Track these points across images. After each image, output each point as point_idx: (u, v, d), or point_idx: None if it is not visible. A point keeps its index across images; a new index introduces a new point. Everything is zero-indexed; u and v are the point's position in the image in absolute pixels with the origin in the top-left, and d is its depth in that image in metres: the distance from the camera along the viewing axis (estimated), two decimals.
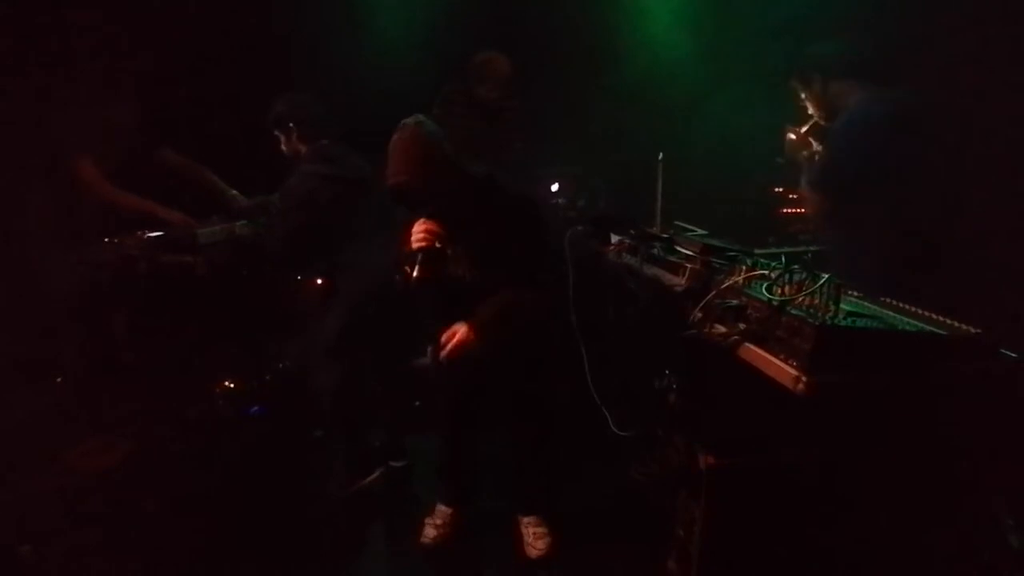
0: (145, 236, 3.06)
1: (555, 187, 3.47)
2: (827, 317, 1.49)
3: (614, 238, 2.67)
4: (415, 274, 1.99)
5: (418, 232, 2.02)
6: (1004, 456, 1.66)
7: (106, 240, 3.03)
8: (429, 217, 2.04)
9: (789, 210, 3.38)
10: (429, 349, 2.55)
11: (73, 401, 3.06)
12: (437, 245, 2.03)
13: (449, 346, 2.10)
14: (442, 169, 2.01)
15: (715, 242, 2.08)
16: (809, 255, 1.66)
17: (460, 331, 2.10)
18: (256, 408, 3.33)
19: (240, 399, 3.35)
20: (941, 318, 1.60)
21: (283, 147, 2.94)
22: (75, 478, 2.72)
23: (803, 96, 2.50)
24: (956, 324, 1.56)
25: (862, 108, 2.28)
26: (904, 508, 1.69)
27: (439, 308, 2.26)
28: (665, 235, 2.34)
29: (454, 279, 2.20)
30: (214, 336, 3.37)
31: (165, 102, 3.21)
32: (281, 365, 3.47)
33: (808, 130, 2.51)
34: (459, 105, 3.10)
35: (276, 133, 2.92)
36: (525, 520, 2.43)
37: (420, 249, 2.00)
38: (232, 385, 3.36)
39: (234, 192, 3.28)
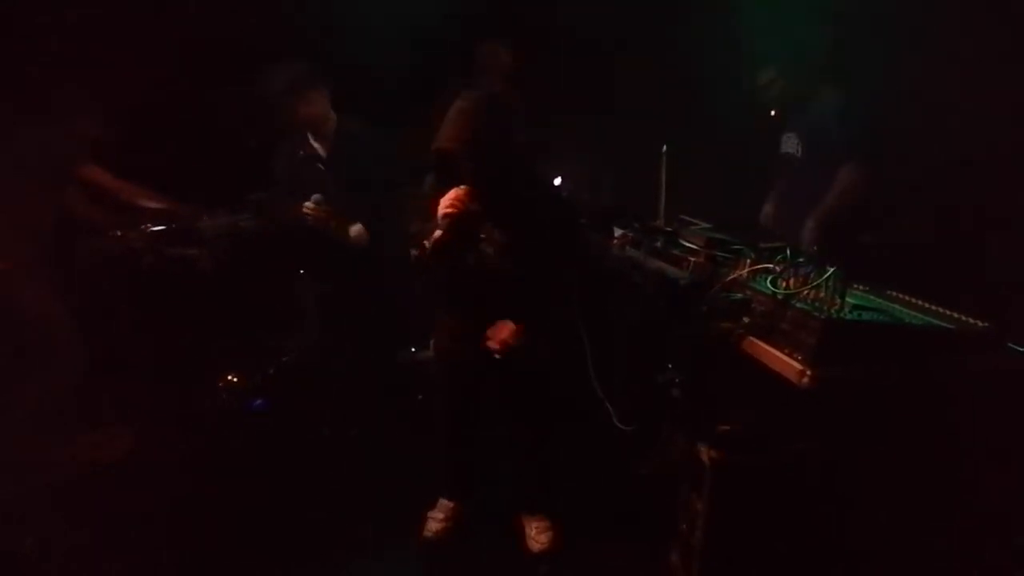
0: (149, 229, 3.06)
1: (558, 181, 3.45)
2: (833, 310, 1.47)
3: (617, 231, 2.66)
4: (435, 236, 1.90)
5: (449, 198, 1.93)
6: (1011, 451, 1.64)
7: (110, 233, 3.04)
8: (469, 189, 1.95)
9: None
10: (432, 342, 2.55)
11: (76, 395, 3.06)
12: (465, 216, 1.94)
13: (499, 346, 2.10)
14: (494, 149, 1.94)
15: (719, 235, 2.06)
16: (815, 248, 1.65)
17: (508, 330, 2.09)
18: (259, 402, 3.34)
19: (243, 393, 3.36)
20: (948, 311, 1.58)
21: (313, 108, 2.71)
22: (77, 472, 2.73)
23: (772, 84, 2.98)
24: (963, 318, 1.55)
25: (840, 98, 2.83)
26: (908, 504, 1.68)
27: (451, 295, 2.24)
28: (669, 228, 2.33)
29: (478, 263, 2.13)
30: (217, 330, 3.37)
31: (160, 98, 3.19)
32: (284, 359, 3.47)
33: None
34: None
35: (307, 92, 2.69)
36: (527, 515, 2.43)
37: (447, 215, 1.91)
38: (235, 379, 3.37)
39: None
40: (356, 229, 2.79)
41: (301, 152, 2.84)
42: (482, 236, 2.10)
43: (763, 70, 3.02)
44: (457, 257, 2.06)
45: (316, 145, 2.83)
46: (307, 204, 2.70)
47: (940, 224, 2.90)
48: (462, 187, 1.93)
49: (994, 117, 2.62)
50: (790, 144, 3.06)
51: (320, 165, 2.83)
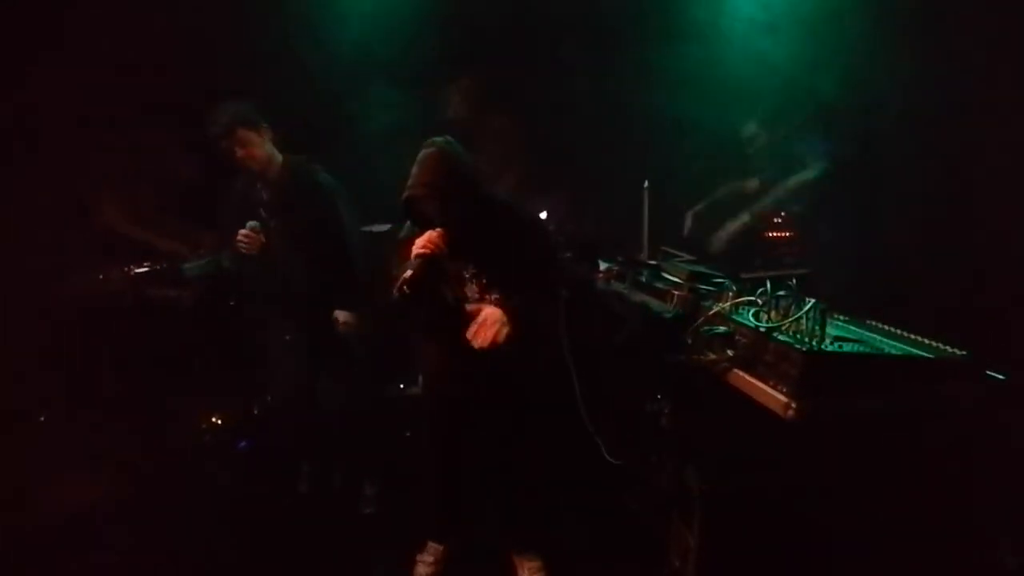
0: (132, 272, 3.04)
1: (543, 215, 3.49)
2: (814, 342, 1.49)
3: (602, 265, 2.68)
4: (406, 276, 1.96)
5: (422, 240, 2.02)
6: (993, 476, 1.66)
7: (91, 276, 3.02)
8: (443, 231, 2.03)
9: (774, 234, 3.42)
10: (420, 378, 2.53)
11: (56, 437, 3.01)
12: (437, 256, 2.00)
13: (482, 332, 2.00)
14: (463, 192, 2.04)
15: (701, 268, 2.09)
16: (794, 280, 1.67)
17: (492, 314, 2.02)
18: (244, 443, 3.28)
19: (227, 434, 3.30)
20: (927, 341, 1.61)
21: (253, 152, 2.61)
22: (56, 513, 2.66)
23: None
24: (942, 347, 1.57)
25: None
26: (897, 529, 1.69)
27: (434, 332, 2.24)
28: (652, 262, 2.36)
29: (455, 300, 2.19)
30: (200, 370, 3.33)
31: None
32: (269, 398, 3.43)
33: None
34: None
35: (245, 133, 2.58)
36: (519, 555, 2.39)
37: (419, 256, 1.99)
38: (219, 421, 3.32)
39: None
40: (343, 315, 2.72)
41: (245, 193, 2.74)
42: (465, 275, 2.14)
43: (745, 125, 3.14)
44: (434, 295, 2.10)
45: (261, 189, 2.73)
46: (241, 231, 2.60)
47: (925, 245, 2.95)
48: (437, 230, 2.01)
49: (979, 141, 2.70)
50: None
51: (261, 209, 2.71)
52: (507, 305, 2.05)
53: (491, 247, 2.11)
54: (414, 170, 2.03)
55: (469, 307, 2.11)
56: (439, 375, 2.33)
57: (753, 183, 3.32)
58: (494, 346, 2.00)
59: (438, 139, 2.08)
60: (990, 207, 2.67)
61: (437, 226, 2.02)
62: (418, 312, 2.20)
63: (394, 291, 2.01)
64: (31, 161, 2.96)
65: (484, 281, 2.15)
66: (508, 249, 2.11)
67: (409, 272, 1.96)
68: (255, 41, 3.48)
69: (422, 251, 1.98)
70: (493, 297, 2.13)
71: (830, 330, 1.63)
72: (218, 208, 2.85)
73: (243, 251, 2.62)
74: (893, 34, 2.93)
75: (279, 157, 2.71)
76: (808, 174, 3.08)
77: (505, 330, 2.00)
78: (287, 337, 2.84)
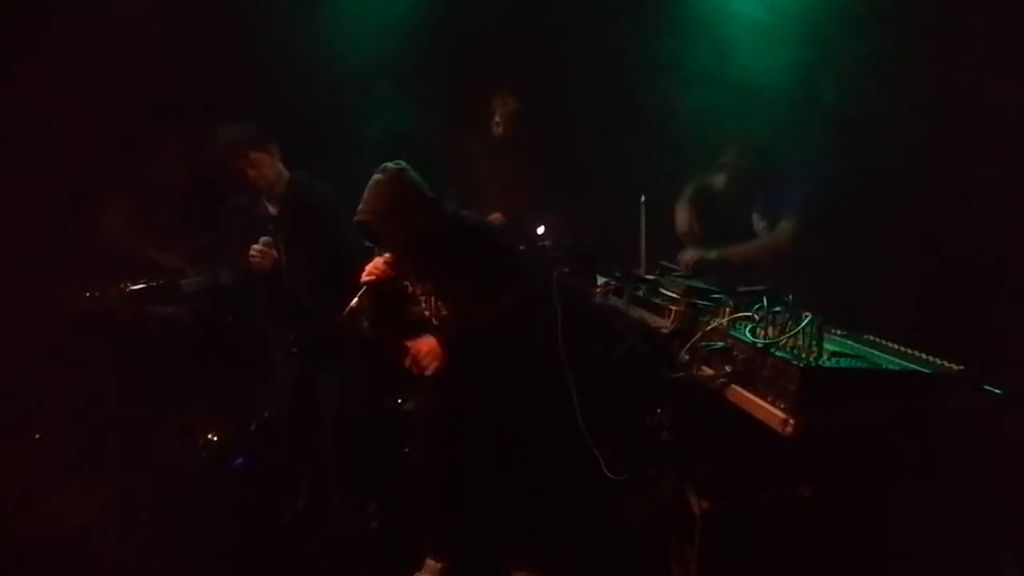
0: (127, 288, 3.03)
1: (541, 229, 3.49)
2: (811, 358, 1.50)
3: (600, 279, 2.68)
4: (351, 305, 2.04)
5: (368, 267, 2.08)
6: (992, 488, 1.66)
7: (87, 294, 3.01)
8: (390, 256, 2.09)
9: None
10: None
11: (52, 454, 2.99)
12: (383, 282, 2.08)
13: (424, 363, 2.10)
14: (413, 216, 2.07)
15: (698, 284, 2.10)
16: (790, 297, 1.68)
17: (429, 345, 2.11)
18: (240, 460, 3.26)
19: (223, 451, 3.28)
20: (925, 355, 1.61)
21: (264, 172, 2.65)
22: (50, 530, 2.64)
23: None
24: (940, 361, 1.58)
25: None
26: (898, 543, 1.68)
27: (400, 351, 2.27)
28: (650, 276, 2.36)
29: (417, 320, 2.23)
30: (197, 387, 3.31)
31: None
32: (266, 414, 3.41)
33: None
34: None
35: (257, 155, 2.63)
36: (517, 570, 2.37)
37: (365, 282, 2.05)
38: (215, 437, 3.29)
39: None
40: None
41: (250, 209, 2.77)
42: (420, 295, 2.20)
43: (726, 147, 2.96)
44: (399, 317, 2.18)
45: (268, 205, 2.77)
46: (254, 247, 2.65)
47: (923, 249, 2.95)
48: (384, 256, 2.07)
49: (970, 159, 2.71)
50: (759, 225, 3.02)
51: (271, 225, 2.76)
52: (442, 335, 2.12)
53: (442, 268, 2.16)
54: (364, 195, 2.07)
55: (409, 343, 2.17)
56: (430, 390, 2.34)
57: (720, 179, 3.03)
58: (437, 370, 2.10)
59: (390, 165, 2.11)
60: (989, 209, 2.68)
61: (385, 251, 2.09)
62: (385, 335, 2.24)
63: (345, 318, 2.07)
64: (29, 165, 2.97)
65: (436, 301, 2.20)
66: (458, 269, 2.14)
67: (355, 301, 2.03)
68: (255, 45, 3.50)
69: (367, 278, 2.05)
70: (443, 314, 2.19)
71: (828, 345, 1.64)
72: (220, 222, 2.90)
73: (256, 266, 2.66)
74: (893, 35, 2.95)
75: (286, 174, 2.76)
76: (776, 235, 2.80)
77: (436, 363, 2.10)
78: (290, 347, 2.85)
